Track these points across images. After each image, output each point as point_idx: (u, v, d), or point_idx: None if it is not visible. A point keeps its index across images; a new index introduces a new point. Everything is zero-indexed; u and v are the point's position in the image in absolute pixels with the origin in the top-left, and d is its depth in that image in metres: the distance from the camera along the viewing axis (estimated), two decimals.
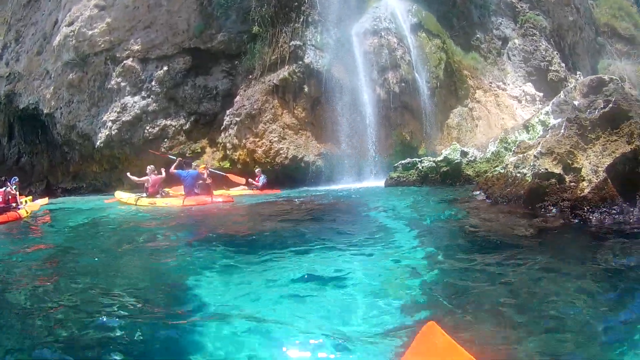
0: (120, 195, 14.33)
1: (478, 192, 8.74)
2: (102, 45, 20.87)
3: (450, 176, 13.28)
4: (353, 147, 17.76)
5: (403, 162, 14.61)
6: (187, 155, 19.00)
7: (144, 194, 13.43)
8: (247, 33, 19.23)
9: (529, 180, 6.97)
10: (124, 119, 19.87)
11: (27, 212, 13.02)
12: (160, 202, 12.14)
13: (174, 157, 14.53)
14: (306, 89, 17.91)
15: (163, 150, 19.06)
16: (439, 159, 13.77)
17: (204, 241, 6.52)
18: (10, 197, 12.69)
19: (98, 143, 20.38)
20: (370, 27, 18.87)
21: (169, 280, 4.65)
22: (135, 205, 12.61)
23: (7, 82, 24.98)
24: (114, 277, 4.87)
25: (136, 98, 19.90)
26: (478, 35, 22.68)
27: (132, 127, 19.81)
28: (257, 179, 16.66)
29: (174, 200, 11.97)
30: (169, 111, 19.80)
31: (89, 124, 21.00)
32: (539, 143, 7.24)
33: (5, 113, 25.58)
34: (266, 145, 17.64)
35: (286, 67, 18.00)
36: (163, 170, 13.41)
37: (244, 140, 17.94)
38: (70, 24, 21.86)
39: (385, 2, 19.91)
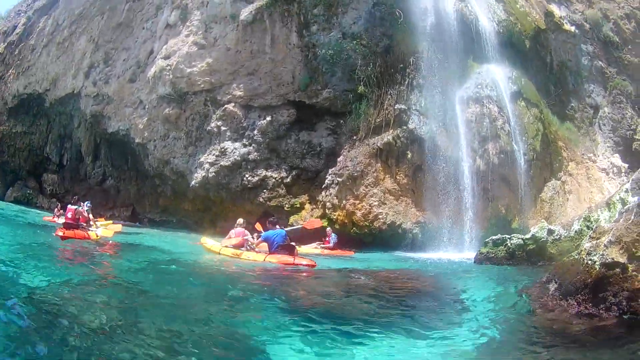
0: (206, 241, 14.43)
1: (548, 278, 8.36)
2: (202, 86, 21.20)
3: (536, 254, 12.98)
4: (450, 217, 17.69)
5: (494, 237, 14.22)
6: (285, 208, 19.30)
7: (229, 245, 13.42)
8: (352, 92, 19.31)
9: (597, 270, 6.67)
10: (222, 163, 20.16)
11: (97, 236, 13.63)
12: (245, 255, 12.20)
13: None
14: (409, 155, 17.97)
15: (262, 200, 19.40)
16: (527, 236, 13.48)
17: (278, 304, 6.54)
18: (80, 216, 13.51)
19: (193, 182, 20.73)
20: (473, 94, 18.80)
21: (236, 338, 4.69)
22: (219, 254, 12.75)
23: (95, 103, 25.46)
24: (172, 325, 4.89)
25: (237, 144, 20.18)
26: (572, 104, 22.38)
27: (231, 172, 20.10)
28: (327, 238, 17.00)
29: (257, 255, 11.93)
30: (271, 162, 20.03)
31: (184, 162, 21.39)
32: (610, 230, 6.97)
33: (92, 132, 26.11)
34: (366, 209, 17.65)
35: (390, 130, 18.05)
36: (257, 238, 13.00)
37: (344, 201, 17.98)
38: (167, 57, 22.26)
39: (487, 67, 19.72)
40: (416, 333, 5.15)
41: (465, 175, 17.90)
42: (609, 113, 23.24)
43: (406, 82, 18.91)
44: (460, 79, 19.42)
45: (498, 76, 19.57)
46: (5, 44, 35.10)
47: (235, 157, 20.14)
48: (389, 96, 18.74)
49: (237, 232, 13.42)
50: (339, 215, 18.22)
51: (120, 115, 24.10)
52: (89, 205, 15.06)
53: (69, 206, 14.02)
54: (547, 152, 19.91)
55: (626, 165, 21.77)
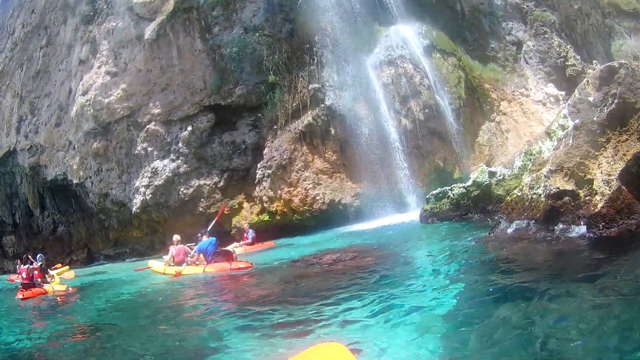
0: (152, 264, 14.75)
1: (499, 218, 8.36)
2: (122, 112, 21.29)
3: (482, 199, 12.80)
4: (388, 181, 17.71)
5: (434, 192, 14.10)
6: (225, 212, 19.26)
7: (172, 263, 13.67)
8: (264, 83, 19.45)
9: (543, 202, 6.64)
10: (156, 183, 20.31)
11: (53, 290, 13.57)
12: (185, 270, 12.38)
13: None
14: (332, 131, 18.01)
15: (201, 209, 19.43)
16: (468, 184, 13.32)
17: (223, 308, 6.75)
18: (33, 273, 13.48)
19: (134, 209, 20.86)
20: (385, 58, 18.71)
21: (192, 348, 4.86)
22: (164, 274, 13.06)
23: (30, 155, 25.50)
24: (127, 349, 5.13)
25: (165, 161, 20.29)
26: (492, 45, 22.29)
27: (166, 190, 20.23)
28: (246, 234, 17.11)
29: (197, 268, 12.12)
30: (201, 171, 20.15)
31: (121, 190, 21.50)
32: (549, 159, 6.92)
33: (34, 185, 26.18)
34: (302, 194, 17.80)
35: (309, 112, 18.10)
36: (193, 252, 13.14)
37: (279, 192, 18.13)
38: (85, 92, 22.33)
39: (394, 29, 19.60)
40: (374, 304, 5.08)
41: (393, 137, 17.88)
42: (533, 46, 23.02)
43: (315, 61, 19.00)
44: (369, 46, 19.38)
45: (408, 34, 19.46)
46: None
47: (167, 174, 20.29)
48: (301, 79, 18.85)
49: (177, 250, 13.46)
50: (277, 206, 18.38)
51: (55, 161, 24.18)
52: (41, 258, 14.95)
53: (21, 267, 14.30)
54: (474, 97, 19.76)
55: (563, 93, 21.48)
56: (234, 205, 19.66)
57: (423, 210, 14.01)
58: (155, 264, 14.54)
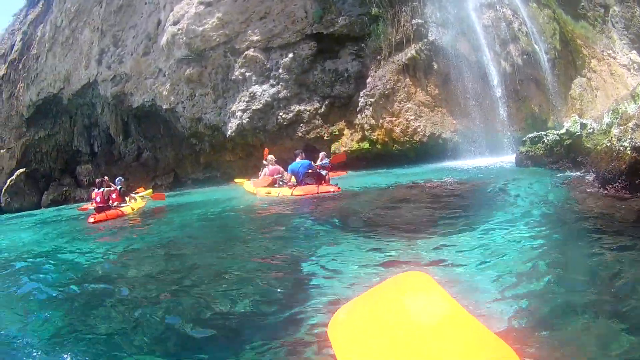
0: (242, 181, 15.33)
1: (588, 168, 8.45)
2: (217, 40, 21.49)
3: (573, 149, 12.59)
4: (486, 121, 17.81)
5: (530, 136, 14.13)
6: (324, 138, 19.65)
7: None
8: (367, 15, 19.53)
9: (629, 154, 6.59)
10: (254, 107, 20.55)
11: (133, 209, 13.51)
12: (274, 191, 12.38)
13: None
14: (435, 66, 18.09)
15: (300, 134, 19.79)
16: (562, 131, 13.08)
17: (304, 232, 6.44)
18: (110, 196, 13.29)
19: (229, 133, 21.15)
20: (485, 1, 18.83)
21: (284, 269, 4.63)
22: (254, 194, 13.29)
23: (114, 84, 25.87)
24: (218, 272, 4.77)
25: (265, 86, 20.52)
26: (583, 4, 22.19)
27: (264, 114, 20.48)
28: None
29: (285, 190, 12.04)
30: (302, 96, 20.34)
31: (216, 115, 21.80)
32: (635, 114, 6.89)
33: (116, 113, 26.50)
34: (403, 124, 17.95)
35: (412, 45, 18.19)
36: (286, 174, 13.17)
37: (380, 120, 18.31)
38: (176, 22, 22.53)
39: None
40: (463, 230, 5.08)
41: (493, 78, 18.02)
42: (619, 12, 23.01)
43: None
44: None
45: None
46: (7, 63, 35.37)
47: (266, 98, 20.50)
48: (404, 13, 18.84)
49: (271, 170, 13.70)
50: (378, 134, 18.59)
51: (142, 88, 24.53)
52: (121, 181, 14.74)
53: (95, 191, 13.68)
54: (568, 50, 19.92)
55: None
56: (334, 132, 19.83)
57: (519, 152, 14.02)
58: (247, 183, 15.11)
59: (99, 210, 12.72)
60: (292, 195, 11.38)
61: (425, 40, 18.09)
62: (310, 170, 11.79)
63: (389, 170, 16.81)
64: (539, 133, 14.27)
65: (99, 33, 27.40)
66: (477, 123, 17.69)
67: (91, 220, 12.04)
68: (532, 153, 13.81)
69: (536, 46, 18.54)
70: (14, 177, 33.07)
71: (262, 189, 12.99)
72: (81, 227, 12.23)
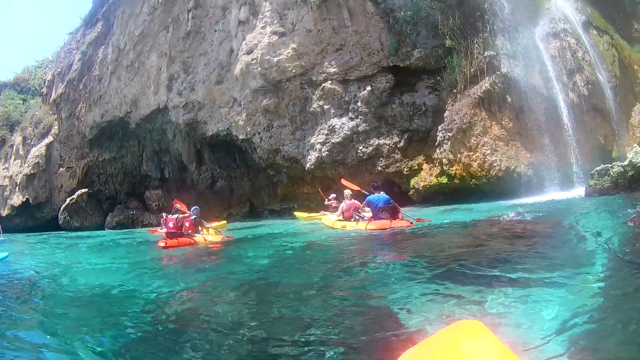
0: (323, 218, 16.11)
1: None
2: (294, 71, 22.59)
3: (636, 180, 13.34)
4: (557, 154, 18.24)
5: (597, 169, 14.64)
6: (404, 172, 20.45)
7: (341, 217, 14.59)
8: (441, 47, 20.35)
9: None
10: (333, 140, 21.61)
11: (205, 240, 13.78)
12: (350, 225, 12.97)
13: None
14: (509, 99, 18.68)
15: (380, 168, 20.63)
16: (625, 163, 13.76)
17: (374, 268, 6.73)
18: (183, 223, 13.63)
19: (308, 165, 22.29)
20: (550, 30, 19.37)
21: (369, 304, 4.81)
22: (332, 227, 13.87)
23: (186, 112, 27.22)
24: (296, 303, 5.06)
25: (343, 119, 21.54)
26: (636, 26, 22.24)
27: (344, 147, 21.53)
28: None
29: (361, 224, 12.47)
30: (381, 130, 21.38)
31: (294, 147, 22.90)
32: None
33: (189, 140, 27.76)
34: (480, 159, 18.58)
35: (486, 78, 18.88)
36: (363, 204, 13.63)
37: (458, 155, 19.04)
38: (250, 52, 23.75)
39: (554, 2, 20.23)
40: (535, 276, 5.07)
41: (562, 110, 18.48)
42: None
43: (488, 29, 19.71)
44: (533, 17, 20.03)
45: (567, 9, 20.10)
46: (65, 82, 37.09)
47: (345, 132, 21.53)
48: (476, 45, 19.61)
49: (348, 205, 14.42)
50: (456, 169, 19.30)
51: (217, 117, 25.79)
52: (197, 210, 14.93)
53: (169, 217, 14.28)
54: (627, 77, 20.19)
55: None
56: (414, 166, 20.75)
57: (588, 186, 14.64)
58: (327, 216, 16.16)
59: (170, 235, 13.15)
60: (366, 229, 11.86)
61: (498, 72, 18.75)
62: (387, 205, 12.17)
63: (466, 205, 17.67)
64: (605, 166, 14.94)
65: (167, 59, 28.79)
66: (549, 156, 18.14)
67: (162, 244, 12.54)
68: (600, 186, 14.47)
69: (599, 75, 19.02)
70: (75, 196, 34.99)
71: (338, 222, 13.86)
72: (152, 251, 12.83)
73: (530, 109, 18.50)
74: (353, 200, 14.56)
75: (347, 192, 15.04)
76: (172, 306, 5.54)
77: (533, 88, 18.48)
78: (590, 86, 18.46)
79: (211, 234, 14.59)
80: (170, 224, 13.56)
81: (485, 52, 19.18)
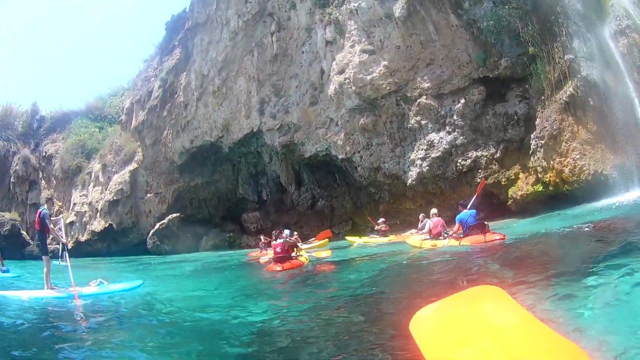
0: (409, 239, 17.98)
1: None
2: (388, 88, 26.12)
3: None
4: (637, 153, 19.48)
5: None
6: (502, 183, 23.21)
7: (427, 237, 16.26)
8: (525, 55, 22.93)
9: None
10: (433, 155, 24.99)
11: (307, 259, 16.34)
12: (440, 243, 14.17)
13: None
14: (591, 102, 20.52)
15: (479, 180, 23.26)
16: None
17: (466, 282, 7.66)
18: (288, 247, 15.68)
19: (410, 181, 25.78)
20: (617, 28, 20.67)
21: None
22: (420, 247, 15.28)
23: (281, 134, 31.22)
24: None
25: (441, 134, 24.86)
26: None
27: (443, 162, 24.90)
28: (421, 223, 20.47)
29: (452, 241, 13.69)
30: (477, 142, 24.50)
31: (395, 164, 26.39)
32: None
33: (286, 162, 31.47)
34: (571, 164, 20.48)
35: (569, 82, 21.01)
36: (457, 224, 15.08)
37: (551, 162, 21.23)
38: (341, 72, 27.40)
39: None
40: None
41: (637, 108, 19.76)
42: None
43: (563, 32, 21.73)
44: (600, 16, 21.58)
45: (626, 4, 21.18)
46: (146, 110, 41.50)
47: (444, 146, 24.86)
48: (556, 50, 21.79)
49: (435, 222, 16.01)
50: (550, 176, 21.46)
51: (314, 138, 29.64)
52: (289, 232, 17.33)
53: (274, 242, 16.24)
54: None
55: None
56: (510, 176, 23.43)
57: None
58: (412, 238, 18.13)
59: (279, 260, 15.17)
60: (459, 244, 13.09)
61: (579, 76, 20.65)
62: (477, 222, 13.39)
63: (560, 212, 19.70)
64: None
65: (256, 82, 32.97)
66: (631, 157, 19.58)
67: (277, 268, 14.56)
68: None
69: None
70: (165, 220, 39.16)
71: (426, 242, 15.35)
72: (265, 273, 15.12)
73: (610, 110, 20.12)
74: (439, 218, 16.23)
75: (433, 210, 16.94)
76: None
77: (610, 89, 20.20)
78: None
79: (302, 254, 17.32)
80: (278, 249, 15.70)
81: (565, 56, 21.25)
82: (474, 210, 13.84)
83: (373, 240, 22.55)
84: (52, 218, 12.53)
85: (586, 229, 11.82)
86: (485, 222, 13.52)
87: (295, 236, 18.77)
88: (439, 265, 10.94)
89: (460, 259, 10.96)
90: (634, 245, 7.64)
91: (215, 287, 12.72)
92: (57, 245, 27.62)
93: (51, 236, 12.21)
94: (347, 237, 24.33)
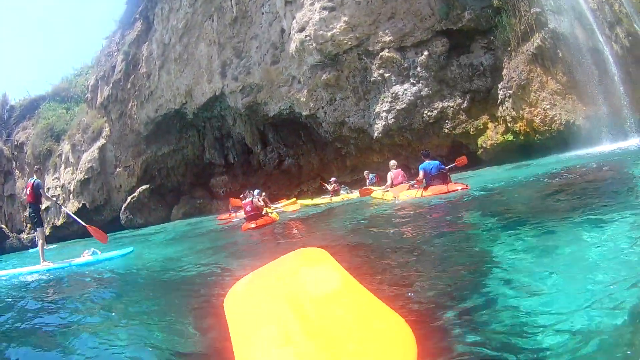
0: (374, 192, 17.80)
1: None
2: (349, 43, 25.73)
3: None
4: (609, 105, 19.73)
5: None
6: (470, 133, 23.23)
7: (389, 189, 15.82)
8: (489, 7, 22.99)
9: None
10: (398, 107, 24.79)
11: (277, 215, 17.05)
12: (402, 195, 13.85)
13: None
14: (560, 54, 20.64)
15: (447, 131, 23.33)
16: None
17: (429, 236, 7.33)
18: (257, 206, 16.02)
19: (376, 134, 25.60)
20: None
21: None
22: (382, 199, 15.19)
23: (244, 95, 30.83)
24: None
25: (405, 85, 24.65)
26: None
27: (409, 113, 24.74)
28: (366, 179, 21.54)
29: (413, 192, 13.46)
30: (443, 93, 24.41)
31: (360, 117, 26.20)
32: None
33: (251, 123, 31.16)
34: (541, 114, 20.65)
35: (536, 34, 21.05)
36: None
37: (521, 111, 21.36)
38: (302, 29, 26.93)
39: None
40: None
41: (610, 62, 19.97)
42: None
43: None
44: None
45: None
46: (111, 84, 40.87)
47: (409, 97, 24.68)
48: (522, 2, 21.78)
49: (395, 173, 15.78)
50: (520, 126, 21.65)
51: (277, 96, 29.34)
52: (260, 193, 17.72)
53: (244, 202, 16.71)
54: None
55: None
56: (479, 126, 23.53)
57: None
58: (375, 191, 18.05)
59: (252, 218, 15.59)
60: (422, 196, 12.89)
61: (547, 28, 20.74)
62: (440, 171, 13.24)
63: (533, 162, 19.56)
64: None
65: (216, 46, 32.37)
66: (602, 108, 19.81)
67: (252, 225, 14.87)
68: None
69: (637, 27, 20.07)
70: (135, 194, 38.87)
71: (389, 194, 15.07)
72: (240, 233, 14.80)
73: (580, 62, 20.25)
74: (399, 169, 16.10)
75: (392, 162, 16.62)
76: None
77: (580, 41, 20.29)
78: (630, 37, 19.76)
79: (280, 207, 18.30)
80: (248, 208, 16.04)
81: (532, 9, 21.27)
82: (437, 161, 13.73)
83: (324, 201, 22.29)
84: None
85: (546, 180, 11.68)
86: (447, 172, 13.46)
87: (264, 196, 18.56)
88: (401, 216, 10.73)
89: (422, 210, 10.75)
90: (586, 200, 7.44)
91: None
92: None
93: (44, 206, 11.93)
94: (298, 201, 23.41)
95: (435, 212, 10.38)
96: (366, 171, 22.65)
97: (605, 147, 18.18)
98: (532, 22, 20.98)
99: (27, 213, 11.59)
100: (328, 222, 13.82)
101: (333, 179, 24.45)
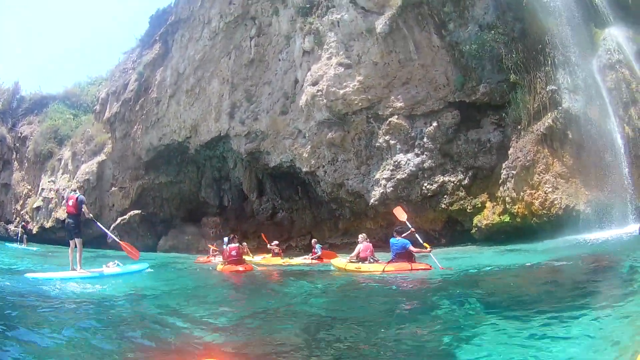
0: (335, 261, 17.59)
1: None
2: (360, 104, 24.84)
3: None
4: (614, 191, 18.83)
5: None
6: (467, 210, 22.01)
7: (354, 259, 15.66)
8: (506, 82, 22.02)
9: None
10: (398, 176, 23.65)
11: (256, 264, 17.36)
12: (364, 267, 14.01)
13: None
14: (570, 135, 19.77)
15: (444, 206, 22.21)
16: None
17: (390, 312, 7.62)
18: (242, 252, 17.00)
19: (372, 200, 24.42)
20: (607, 62, 20.09)
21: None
22: (345, 269, 14.92)
23: (248, 141, 29.86)
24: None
25: (409, 155, 23.58)
26: None
27: (409, 184, 23.59)
28: (314, 249, 21.30)
29: (376, 266, 13.68)
30: (446, 167, 23.31)
31: (359, 182, 25.12)
32: None
33: (250, 170, 30.15)
34: (542, 197, 19.63)
35: (549, 114, 20.14)
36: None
37: (521, 193, 20.25)
38: (315, 83, 26.06)
39: (608, 31, 20.87)
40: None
41: (618, 145, 19.21)
42: None
43: (549, 62, 20.92)
44: (590, 49, 20.92)
45: (620, 39, 20.67)
46: (120, 102, 40.18)
47: (410, 168, 23.55)
48: (539, 79, 20.95)
49: (364, 247, 15.56)
50: (518, 208, 20.44)
51: (280, 148, 28.26)
52: (229, 239, 17.87)
53: (231, 246, 16.97)
54: None
55: None
56: (477, 204, 22.30)
57: None
58: (338, 261, 17.34)
59: (235, 262, 16.08)
60: (383, 271, 12.99)
61: (560, 108, 19.88)
62: (403, 251, 13.33)
63: (524, 246, 18.75)
64: None
65: (229, 86, 31.57)
66: (606, 193, 18.83)
67: (240, 268, 15.64)
68: None
69: None
70: (127, 216, 37.73)
71: (351, 264, 14.90)
72: (224, 277, 15.12)
73: (589, 145, 19.39)
74: (369, 243, 15.86)
75: (361, 235, 16.37)
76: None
77: (592, 123, 19.46)
78: None
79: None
80: (234, 252, 16.50)
81: (548, 87, 20.46)
82: (408, 242, 13.66)
83: (264, 261, 21.89)
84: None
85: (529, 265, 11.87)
86: (413, 252, 13.45)
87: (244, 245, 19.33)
88: (360, 290, 10.97)
89: (383, 286, 10.86)
90: (554, 295, 7.57)
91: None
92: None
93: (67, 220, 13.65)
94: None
95: (389, 288, 10.50)
96: (314, 240, 22.69)
97: (603, 233, 17.45)
98: (547, 100, 20.13)
99: (66, 221, 14.15)
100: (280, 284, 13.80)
101: (275, 242, 23.84)
